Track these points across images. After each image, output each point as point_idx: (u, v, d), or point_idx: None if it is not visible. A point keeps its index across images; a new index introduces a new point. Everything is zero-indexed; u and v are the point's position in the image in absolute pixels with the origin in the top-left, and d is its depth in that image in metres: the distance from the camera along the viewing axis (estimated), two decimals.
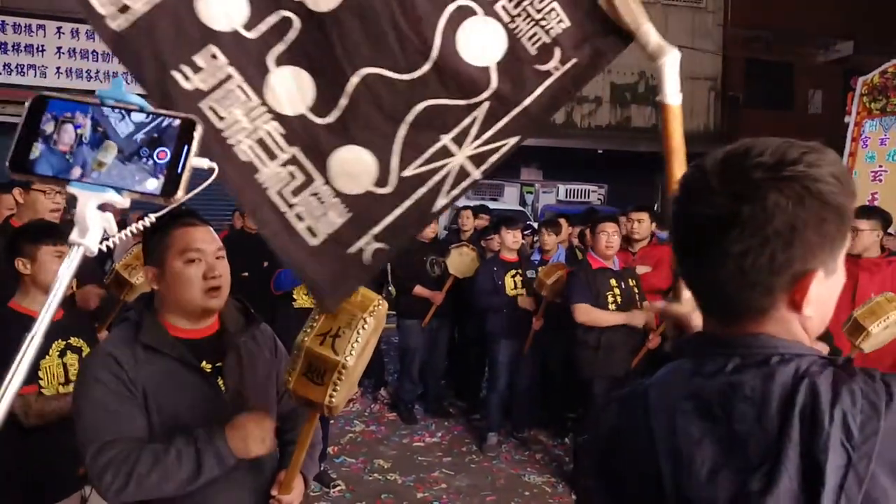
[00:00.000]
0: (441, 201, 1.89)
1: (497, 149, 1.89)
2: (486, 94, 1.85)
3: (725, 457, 0.96)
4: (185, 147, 0.98)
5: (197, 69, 1.69)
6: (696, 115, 19.02)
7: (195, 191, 1.08)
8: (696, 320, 1.56)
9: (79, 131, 0.99)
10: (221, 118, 1.71)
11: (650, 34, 1.78)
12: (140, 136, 0.99)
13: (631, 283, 5.24)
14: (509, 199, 15.37)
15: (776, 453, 0.92)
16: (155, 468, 1.83)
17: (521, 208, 14.42)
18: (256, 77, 1.74)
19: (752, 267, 0.97)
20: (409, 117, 1.83)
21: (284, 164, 1.78)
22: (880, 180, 8.77)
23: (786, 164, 0.95)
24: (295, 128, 1.79)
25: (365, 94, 1.81)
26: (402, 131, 1.83)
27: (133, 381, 1.91)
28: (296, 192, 1.80)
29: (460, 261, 6.48)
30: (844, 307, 4.74)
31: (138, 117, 1.00)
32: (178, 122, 0.99)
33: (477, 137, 1.86)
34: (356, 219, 1.83)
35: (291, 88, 1.78)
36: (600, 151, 17.09)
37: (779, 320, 1.02)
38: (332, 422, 5.97)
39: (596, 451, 1.20)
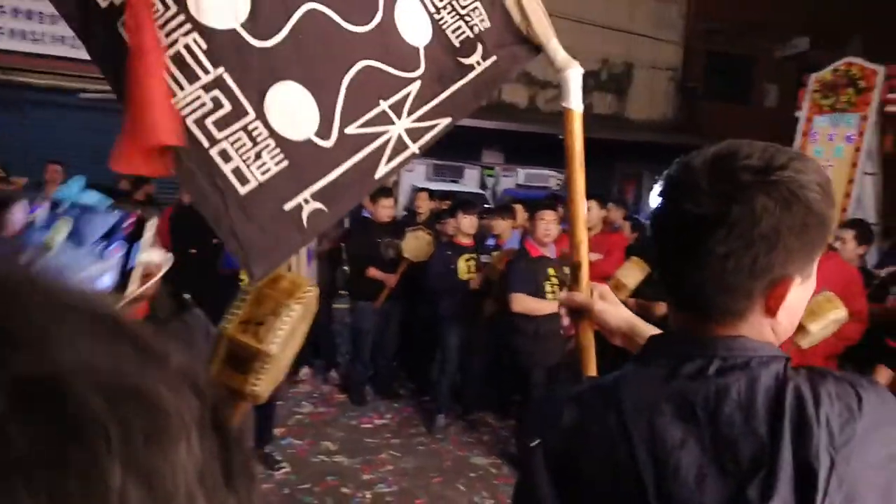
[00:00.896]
0: (382, 169, 1.81)
1: (431, 127, 1.86)
2: (417, 73, 1.83)
3: (713, 461, 0.96)
4: (136, 243, 0.96)
5: None
6: (655, 105, 19.18)
7: None
8: (600, 306, 1.58)
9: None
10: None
11: (558, 50, 1.84)
12: (94, 231, 0.96)
13: (566, 271, 5.28)
14: (469, 181, 15.36)
15: (770, 458, 0.92)
16: None
17: (481, 191, 14.42)
18: None
19: (734, 269, 0.97)
20: (353, 71, 1.73)
21: (207, 89, 1.56)
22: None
23: (773, 168, 0.96)
24: (222, 44, 1.56)
25: (313, 28, 1.65)
26: (346, 83, 1.72)
27: None
28: (220, 124, 1.59)
29: (416, 244, 6.48)
30: None
31: (92, 215, 0.97)
32: (131, 219, 0.97)
33: (411, 112, 1.82)
34: (294, 169, 1.66)
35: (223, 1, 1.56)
36: (561, 137, 17.07)
37: (753, 324, 1.03)
38: (279, 403, 5.95)
39: (550, 452, 1.12)
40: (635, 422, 1.02)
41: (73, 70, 11.76)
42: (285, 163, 1.65)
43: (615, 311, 1.59)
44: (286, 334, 1.71)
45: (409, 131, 1.83)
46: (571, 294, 1.67)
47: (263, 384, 1.72)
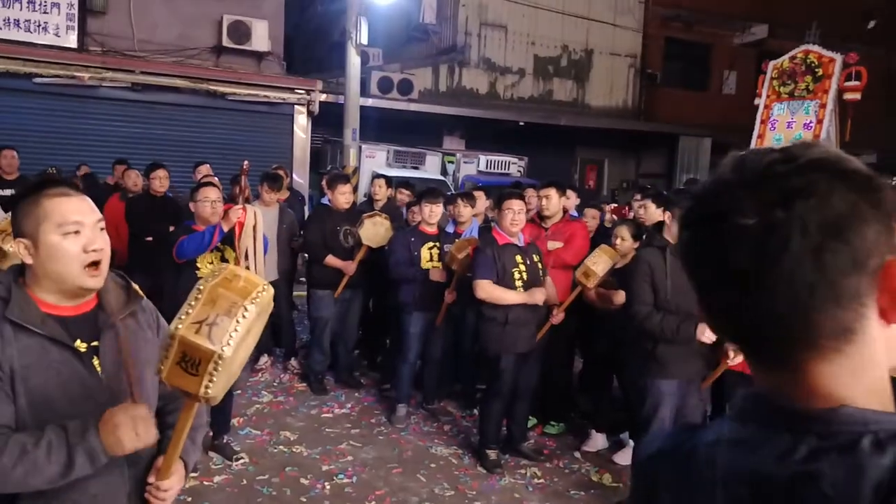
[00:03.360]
0: None
1: None
2: None
3: None
4: None
5: None
6: (615, 92, 19.27)
7: None
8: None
9: None
10: None
11: None
12: None
13: (535, 259, 5.28)
14: (431, 168, 15.27)
15: None
16: (21, 461, 1.72)
17: (442, 178, 14.37)
18: None
19: (833, 265, 0.77)
20: None
21: None
22: None
23: (797, 155, 0.82)
24: None
25: None
26: None
27: (0, 363, 1.79)
28: None
29: (374, 231, 6.41)
30: None
31: None
32: None
33: None
34: None
35: None
36: (522, 123, 17.14)
37: (867, 349, 0.81)
38: (238, 392, 5.87)
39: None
40: (705, 497, 0.87)
41: (26, 54, 11.49)
42: None
43: None
44: (240, 336, 1.65)
45: None
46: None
47: (217, 386, 1.66)
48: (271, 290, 1.77)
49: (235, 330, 1.64)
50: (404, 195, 7.75)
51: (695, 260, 0.89)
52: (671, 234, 4.41)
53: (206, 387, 1.64)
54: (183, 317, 1.65)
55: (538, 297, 5.10)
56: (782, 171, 0.80)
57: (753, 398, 0.89)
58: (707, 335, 4.10)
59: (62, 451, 1.75)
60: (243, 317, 1.65)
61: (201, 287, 1.69)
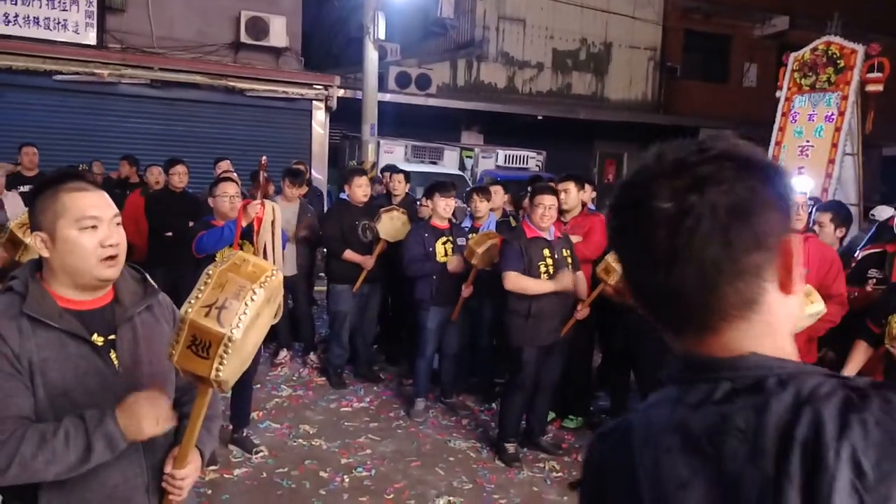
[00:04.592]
0: None
1: None
2: None
3: (718, 501, 0.85)
4: None
5: None
6: (635, 85, 19.16)
7: None
8: None
9: None
10: None
11: None
12: None
13: (565, 253, 5.26)
14: (449, 163, 15.27)
15: (774, 498, 0.79)
16: (41, 450, 1.74)
17: (460, 172, 14.35)
18: None
19: (738, 245, 0.88)
20: None
21: None
22: (807, 155, 8.96)
23: (709, 147, 0.92)
24: None
25: None
26: None
27: (18, 356, 1.80)
28: None
29: (391, 225, 6.41)
30: None
31: None
32: None
33: None
34: None
35: None
36: (540, 117, 17.09)
37: (768, 316, 0.92)
38: (258, 386, 5.90)
39: (586, 493, 1.11)
40: (643, 457, 0.95)
41: (46, 52, 11.59)
42: None
43: None
44: (249, 319, 1.66)
45: None
46: None
47: (228, 370, 1.67)
48: (280, 275, 1.79)
49: (244, 313, 1.66)
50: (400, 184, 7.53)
51: (621, 242, 0.99)
52: None
53: (217, 370, 1.66)
54: (192, 301, 1.67)
55: (566, 281, 5.09)
56: (695, 160, 0.90)
57: (674, 363, 1.00)
58: None
59: (81, 438, 1.77)
60: (252, 300, 1.67)
61: (210, 272, 1.72)
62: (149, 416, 1.83)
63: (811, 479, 0.78)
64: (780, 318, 0.93)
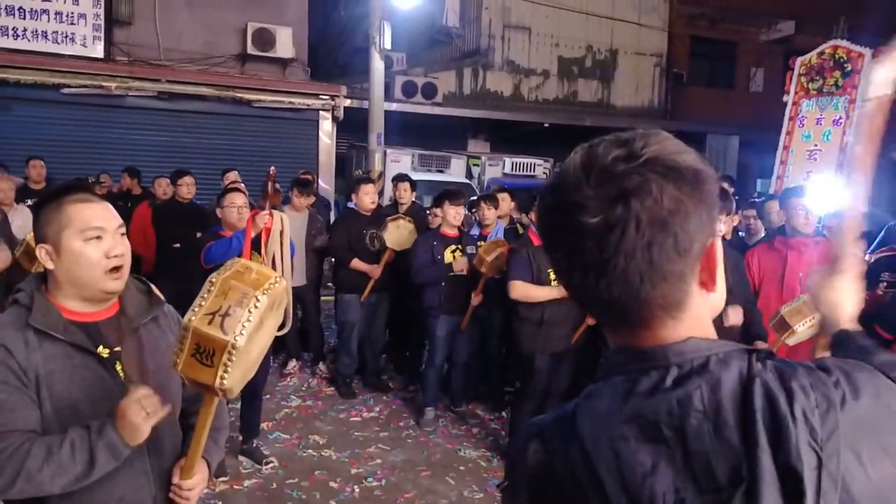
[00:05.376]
0: None
1: None
2: None
3: (689, 482, 0.87)
4: None
5: None
6: (641, 92, 19.14)
7: None
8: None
9: None
10: None
11: None
12: None
13: None
14: (456, 171, 15.27)
15: (749, 469, 0.84)
16: (47, 464, 1.74)
17: (467, 181, 14.35)
18: None
19: (660, 256, 0.90)
20: None
21: None
22: (815, 159, 8.93)
23: (637, 152, 0.92)
24: None
25: None
26: None
27: (25, 370, 1.80)
28: None
29: (398, 233, 6.40)
30: (774, 288, 4.82)
31: None
32: None
33: None
34: None
35: None
36: (546, 125, 17.09)
37: (693, 311, 0.96)
38: (267, 397, 5.89)
39: (519, 494, 1.05)
40: (599, 453, 0.94)
41: (54, 65, 11.65)
42: None
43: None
44: (253, 326, 1.66)
45: None
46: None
47: (232, 377, 1.66)
48: (284, 282, 1.79)
49: (248, 320, 1.65)
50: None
51: (550, 243, 1.00)
52: None
53: (222, 377, 1.65)
54: (196, 309, 1.67)
55: None
56: (622, 170, 0.91)
57: (614, 355, 1.02)
58: (733, 318, 4.04)
59: (85, 449, 1.77)
60: (255, 307, 1.67)
61: (213, 280, 1.71)
62: (136, 412, 1.80)
63: (776, 443, 0.84)
64: (704, 312, 0.99)
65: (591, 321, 5.32)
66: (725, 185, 7.10)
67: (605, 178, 0.92)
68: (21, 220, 5.82)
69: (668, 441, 0.89)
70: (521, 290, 5.08)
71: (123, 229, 1.99)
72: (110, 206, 2.00)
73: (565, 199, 0.95)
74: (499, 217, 6.69)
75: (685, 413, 0.89)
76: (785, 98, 9.60)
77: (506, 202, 7.12)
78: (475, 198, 7.48)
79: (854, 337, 1.43)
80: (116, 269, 1.93)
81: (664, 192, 0.90)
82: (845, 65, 8.81)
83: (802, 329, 3.68)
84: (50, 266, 1.92)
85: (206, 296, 1.69)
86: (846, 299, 1.53)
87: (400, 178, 7.54)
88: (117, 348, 1.97)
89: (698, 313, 0.97)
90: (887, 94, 1.58)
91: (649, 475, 0.89)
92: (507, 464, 1.11)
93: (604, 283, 0.93)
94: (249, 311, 1.66)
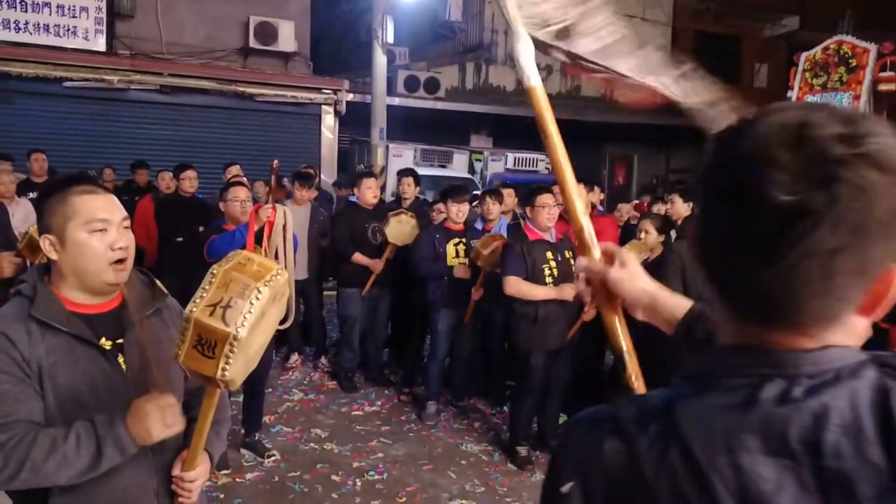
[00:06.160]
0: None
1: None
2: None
3: (819, 501, 0.78)
4: None
5: None
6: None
7: None
8: (614, 274, 1.42)
9: None
10: None
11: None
12: None
13: (567, 256, 5.24)
14: (458, 166, 15.28)
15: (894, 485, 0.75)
16: (52, 454, 1.73)
17: (469, 176, 14.35)
18: None
19: (841, 268, 0.78)
20: None
21: None
22: None
23: (860, 136, 0.77)
24: None
25: None
26: None
27: (27, 360, 1.80)
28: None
29: (399, 228, 6.39)
30: None
31: None
32: None
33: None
34: None
35: None
36: None
37: (844, 328, 0.84)
38: (269, 390, 5.90)
39: (591, 499, 0.90)
40: (712, 461, 0.82)
41: (56, 59, 11.64)
42: None
43: (632, 281, 1.41)
44: (255, 317, 1.65)
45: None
46: (586, 262, 1.46)
47: (234, 369, 1.65)
48: (286, 275, 1.78)
49: (250, 312, 1.64)
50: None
51: (709, 207, 0.87)
52: None
53: (223, 369, 1.64)
54: (197, 300, 1.66)
55: (568, 293, 5.05)
56: (839, 154, 0.76)
57: (729, 354, 0.89)
58: None
59: (91, 442, 1.77)
60: (257, 298, 1.65)
61: (215, 271, 1.70)
62: (157, 419, 1.82)
63: None
64: (853, 331, 0.86)
65: (586, 318, 5.32)
66: None
67: (815, 154, 0.77)
68: (22, 213, 5.83)
69: (795, 455, 0.79)
70: (515, 286, 5.08)
71: (128, 222, 1.98)
72: (115, 199, 2.00)
73: (753, 160, 0.80)
74: (502, 213, 6.69)
75: (820, 427, 0.79)
76: (789, 94, 9.59)
77: (510, 198, 7.13)
78: (481, 191, 7.47)
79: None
80: (120, 261, 1.93)
81: (879, 198, 0.76)
82: (850, 60, 8.78)
83: None
84: (54, 257, 1.92)
85: (207, 287, 1.67)
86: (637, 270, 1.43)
87: (404, 173, 7.53)
88: (120, 340, 1.97)
89: (846, 330, 0.85)
90: (539, 84, 1.59)
91: (775, 493, 0.79)
92: (563, 463, 0.96)
93: (759, 270, 0.81)
94: (251, 302, 1.65)
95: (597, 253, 1.49)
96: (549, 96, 1.69)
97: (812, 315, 0.82)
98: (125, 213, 1.99)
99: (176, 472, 1.99)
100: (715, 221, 0.86)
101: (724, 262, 0.86)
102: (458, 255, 6.02)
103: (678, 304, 1.46)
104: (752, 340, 0.87)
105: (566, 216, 5.85)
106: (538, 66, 1.65)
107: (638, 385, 1.43)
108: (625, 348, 1.45)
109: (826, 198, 0.75)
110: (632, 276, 1.43)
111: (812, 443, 0.78)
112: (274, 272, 1.72)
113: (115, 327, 1.98)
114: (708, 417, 0.85)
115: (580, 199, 1.56)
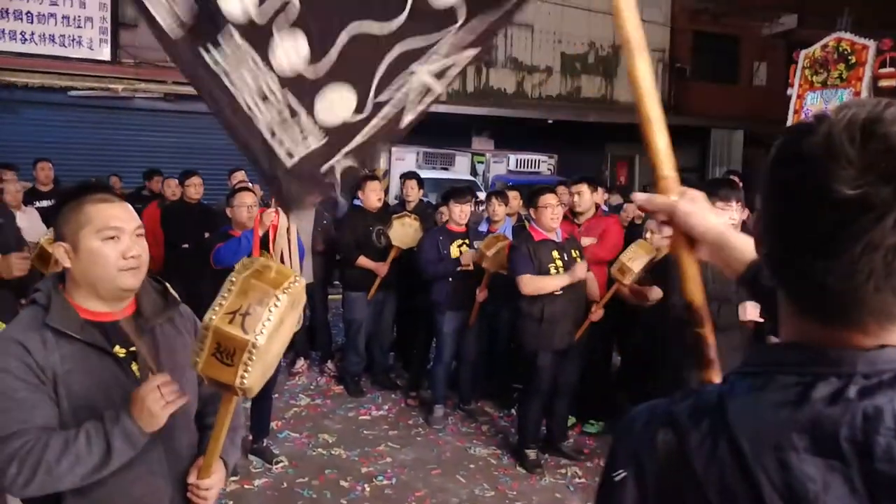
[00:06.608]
0: (408, 117, 2.07)
1: (454, 63, 2.11)
2: (454, 27, 2.06)
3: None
4: None
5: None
6: None
7: None
8: (685, 207, 1.39)
9: None
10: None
11: None
12: None
13: (574, 255, 5.26)
14: (460, 168, 15.31)
15: None
16: (65, 455, 1.75)
17: (472, 178, 14.37)
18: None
19: None
20: (389, 57, 2.01)
21: (275, 105, 1.97)
22: None
23: None
24: (289, 77, 1.98)
25: (355, 46, 1.98)
26: (382, 68, 2.01)
27: (42, 368, 1.82)
28: (281, 125, 1.97)
29: (403, 231, 6.40)
30: None
31: None
32: None
33: (437, 54, 2.06)
34: (330, 142, 2.02)
35: (290, 50, 1.95)
36: (550, 121, 17.08)
37: None
38: (276, 396, 5.91)
39: (644, 488, 0.92)
40: (758, 457, 0.82)
41: (62, 68, 11.69)
42: (325, 140, 2.00)
43: (703, 216, 1.37)
44: (273, 325, 1.66)
45: (435, 73, 2.08)
46: (651, 196, 1.44)
47: (252, 377, 1.66)
48: (303, 282, 1.79)
49: (268, 319, 1.65)
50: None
51: (774, 201, 0.87)
52: None
53: (242, 377, 1.65)
54: (216, 308, 1.66)
55: (580, 271, 5.09)
56: None
57: (785, 351, 0.90)
58: (751, 313, 3.99)
59: (100, 438, 1.79)
60: (275, 306, 1.66)
61: (234, 279, 1.71)
62: (154, 399, 1.81)
63: None
64: None
65: (594, 318, 5.33)
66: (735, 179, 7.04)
67: (882, 148, 0.77)
68: (28, 223, 5.84)
69: (844, 457, 0.79)
70: (532, 283, 5.09)
71: (142, 231, 2.00)
72: (129, 207, 2.02)
73: (818, 155, 0.80)
74: (508, 214, 6.70)
75: (872, 429, 0.78)
76: (789, 91, 9.59)
77: (516, 200, 7.15)
78: (487, 193, 7.48)
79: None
80: (133, 269, 1.94)
81: None
82: (849, 57, 8.78)
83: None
84: (67, 264, 1.93)
85: (226, 295, 1.68)
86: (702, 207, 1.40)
87: (408, 176, 7.55)
88: (133, 348, 1.98)
89: None
90: None
91: (822, 493, 0.79)
92: (619, 452, 0.98)
93: (822, 264, 0.80)
94: (270, 310, 1.65)
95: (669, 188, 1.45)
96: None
97: (873, 311, 0.81)
98: (139, 222, 2.01)
99: (192, 479, 2.00)
100: (779, 217, 0.86)
101: (788, 257, 0.86)
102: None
103: (748, 247, 1.38)
104: (809, 338, 0.87)
105: (570, 216, 5.87)
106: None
107: (710, 340, 1.42)
108: (697, 302, 1.43)
109: (891, 192, 0.75)
110: (702, 210, 1.41)
111: (862, 445, 0.78)
112: (292, 279, 1.73)
113: (128, 335, 1.99)
114: (758, 414, 0.85)
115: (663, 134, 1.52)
